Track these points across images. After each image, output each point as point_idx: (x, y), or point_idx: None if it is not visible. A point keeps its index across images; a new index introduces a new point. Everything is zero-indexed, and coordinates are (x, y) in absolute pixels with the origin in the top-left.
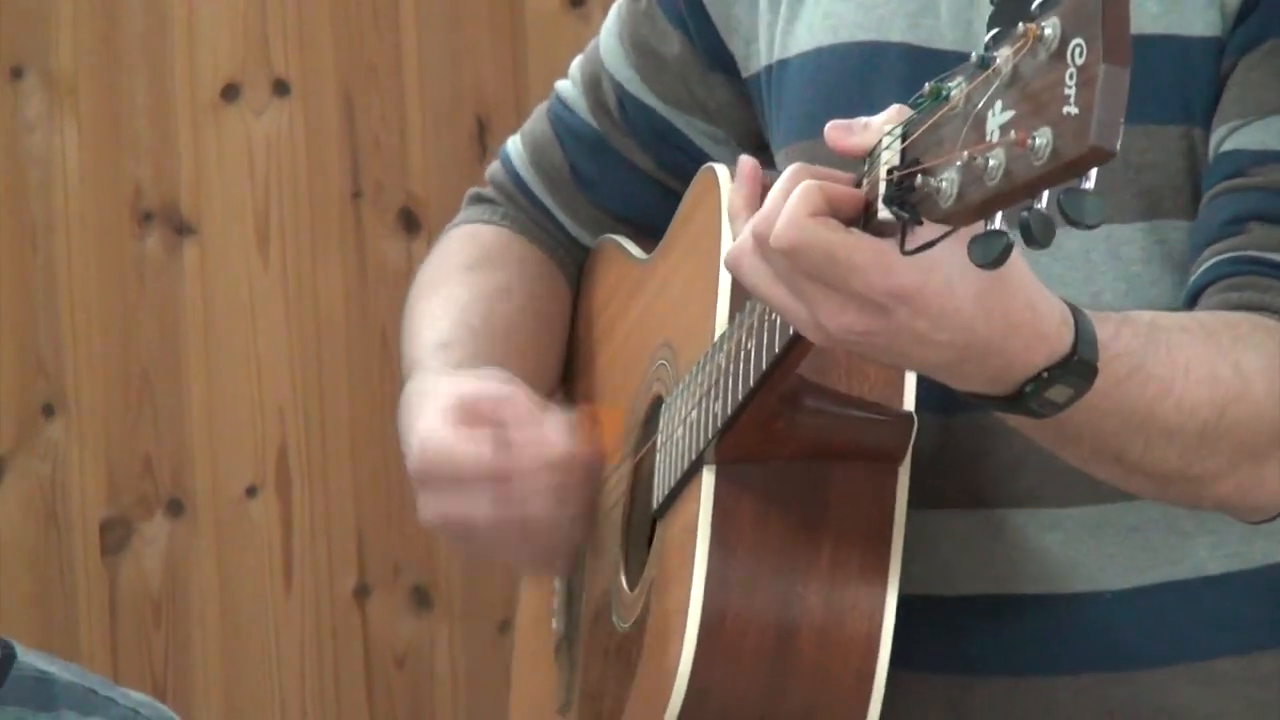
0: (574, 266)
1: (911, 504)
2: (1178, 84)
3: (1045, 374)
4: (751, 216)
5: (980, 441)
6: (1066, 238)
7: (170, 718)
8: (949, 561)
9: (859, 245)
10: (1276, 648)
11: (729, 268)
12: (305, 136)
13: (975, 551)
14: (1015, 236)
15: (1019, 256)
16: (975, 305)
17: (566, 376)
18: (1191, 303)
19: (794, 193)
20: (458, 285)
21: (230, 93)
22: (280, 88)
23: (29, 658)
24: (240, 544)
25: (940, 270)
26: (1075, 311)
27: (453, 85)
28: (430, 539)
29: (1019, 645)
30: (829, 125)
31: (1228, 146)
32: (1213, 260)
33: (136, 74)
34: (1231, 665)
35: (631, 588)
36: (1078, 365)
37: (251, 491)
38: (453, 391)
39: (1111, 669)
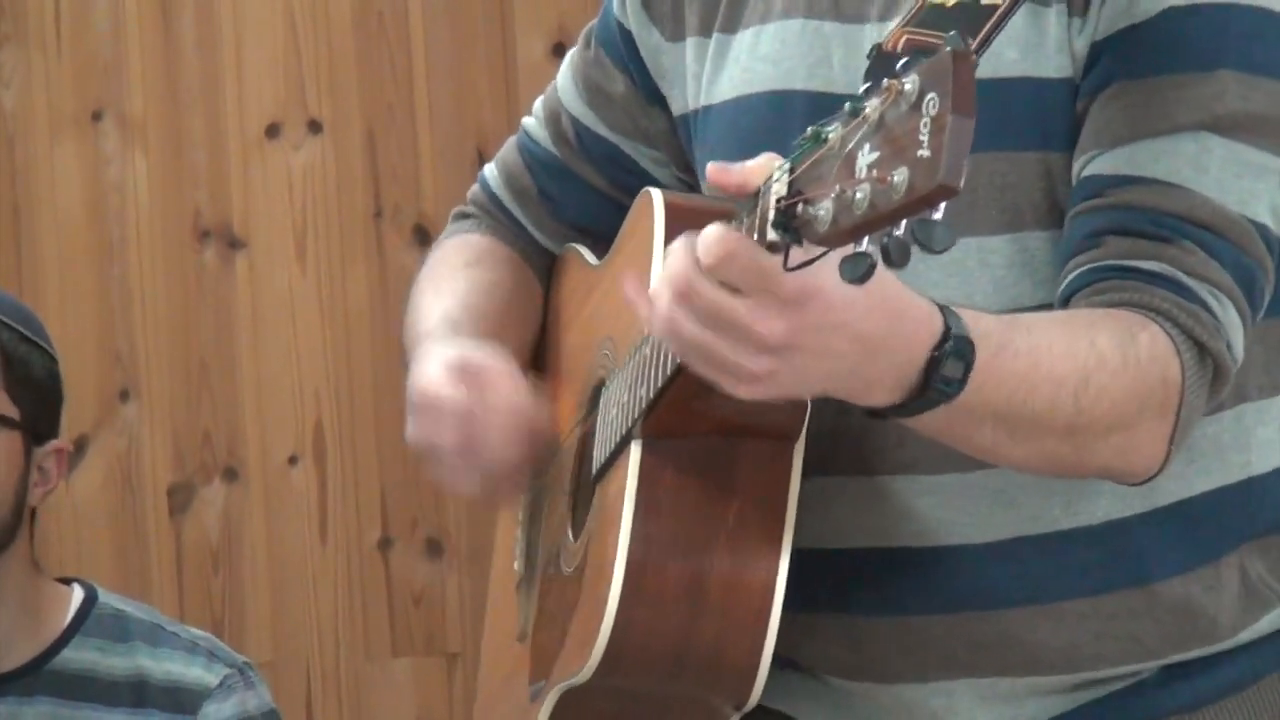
0: (543, 269)
1: (808, 471)
2: (1034, 117)
3: (936, 352)
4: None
5: (868, 419)
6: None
7: (223, 648)
8: (841, 520)
9: (765, 259)
10: (1118, 590)
11: (661, 335)
12: (335, 166)
13: (863, 512)
14: (877, 258)
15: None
16: (863, 299)
17: (536, 362)
18: (1063, 309)
19: (708, 228)
20: (459, 278)
21: (273, 130)
22: (314, 126)
23: (108, 598)
24: (284, 504)
25: (829, 275)
26: (937, 303)
27: (457, 122)
28: (442, 498)
29: (901, 590)
30: (710, 166)
31: (1086, 173)
32: (1076, 271)
33: (195, 115)
34: (1080, 605)
35: (575, 539)
36: (956, 339)
37: (293, 460)
38: (453, 350)
39: (979, 609)
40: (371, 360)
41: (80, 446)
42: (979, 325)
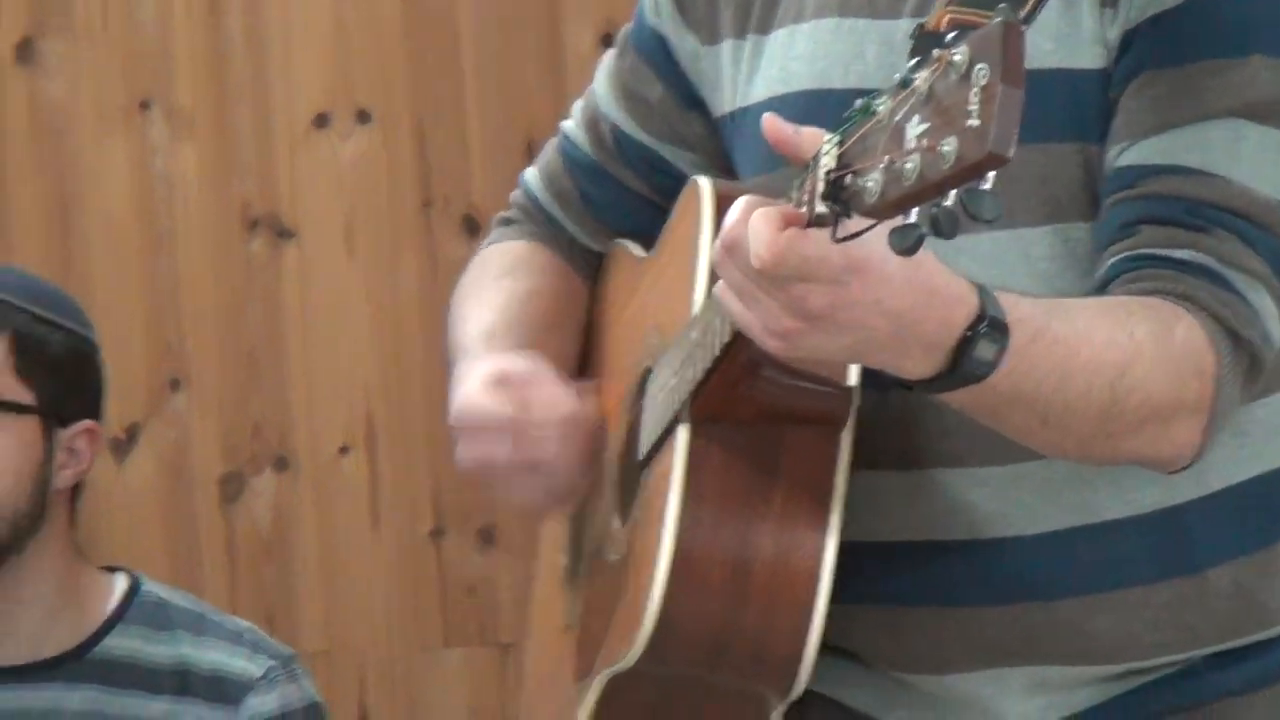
0: (588, 270)
1: (855, 465)
2: (1071, 109)
3: (969, 332)
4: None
5: (912, 411)
6: (981, 241)
7: (267, 640)
8: (889, 513)
9: (813, 235)
10: (1171, 578)
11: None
12: (384, 156)
13: (912, 505)
14: (927, 229)
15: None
16: (903, 274)
17: (583, 364)
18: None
19: (756, 219)
20: (496, 289)
21: (321, 121)
22: (363, 116)
23: (151, 586)
24: (335, 494)
25: (876, 249)
26: (975, 284)
27: (506, 113)
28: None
29: (952, 581)
30: (766, 116)
31: (1120, 163)
32: (1112, 260)
33: (243, 106)
34: (1133, 594)
35: (622, 526)
36: (992, 321)
37: (344, 450)
38: (490, 365)
39: (1031, 599)
40: (422, 351)
41: (131, 436)
42: (1017, 310)
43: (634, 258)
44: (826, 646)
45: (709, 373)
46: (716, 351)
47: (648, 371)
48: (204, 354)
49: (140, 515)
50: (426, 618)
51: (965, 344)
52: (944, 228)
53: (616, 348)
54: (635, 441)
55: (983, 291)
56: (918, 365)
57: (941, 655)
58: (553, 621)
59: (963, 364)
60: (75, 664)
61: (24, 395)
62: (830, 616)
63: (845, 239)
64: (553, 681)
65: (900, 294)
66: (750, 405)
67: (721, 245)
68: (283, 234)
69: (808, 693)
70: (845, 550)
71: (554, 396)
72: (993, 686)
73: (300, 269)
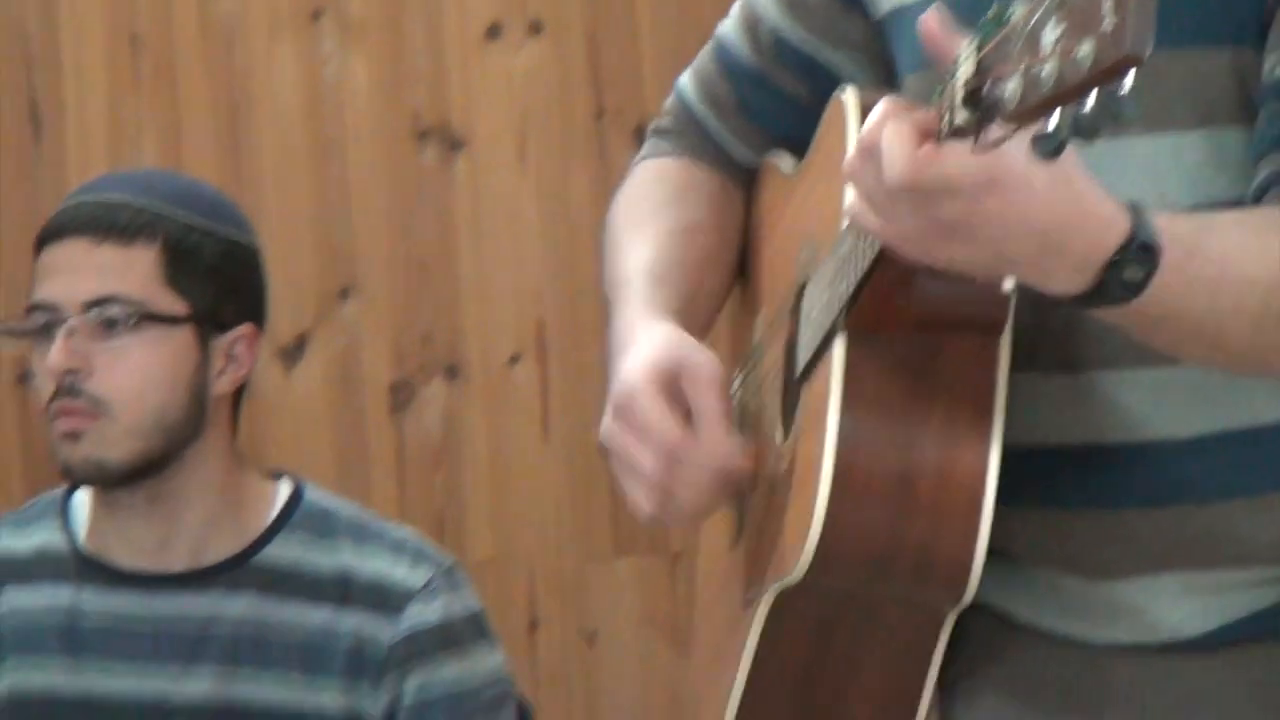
0: (742, 185)
1: (1012, 367)
2: (1225, 13)
3: (1118, 256)
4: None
5: (1070, 313)
6: (1134, 145)
7: (429, 549)
8: (1045, 416)
9: (949, 149)
10: None
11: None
12: (556, 67)
13: (1067, 407)
14: (1068, 134)
15: (1076, 160)
16: (1049, 191)
17: (741, 275)
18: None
19: (889, 131)
20: (655, 223)
21: (493, 32)
22: (534, 28)
23: (315, 494)
24: (505, 403)
25: (1016, 161)
26: (1128, 204)
27: (678, 21)
28: None
29: (1107, 484)
30: (923, 16)
31: (1277, 74)
32: (1266, 172)
33: (415, 17)
34: None
35: (785, 440)
36: (1141, 245)
37: (515, 359)
38: (660, 347)
39: (1185, 503)
40: (594, 260)
41: (300, 344)
42: (1170, 229)
43: (784, 173)
44: (990, 549)
45: (860, 285)
46: (866, 264)
47: (803, 287)
48: (374, 262)
49: (309, 424)
50: (596, 526)
51: (1113, 266)
52: (1085, 132)
53: (772, 265)
54: (793, 356)
55: (1135, 213)
56: (1062, 283)
57: (1099, 560)
58: (722, 535)
59: (1109, 285)
60: (236, 572)
61: (176, 305)
62: (995, 520)
63: (985, 148)
64: (723, 597)
65: (1044, 211)
66: (905, 315)
67: (856, 155)
68: (454, 145)
69: (971, 605)
70: (1005, 454)
71: (717, 443)
72: (1149, 592)
73: (471, 179)
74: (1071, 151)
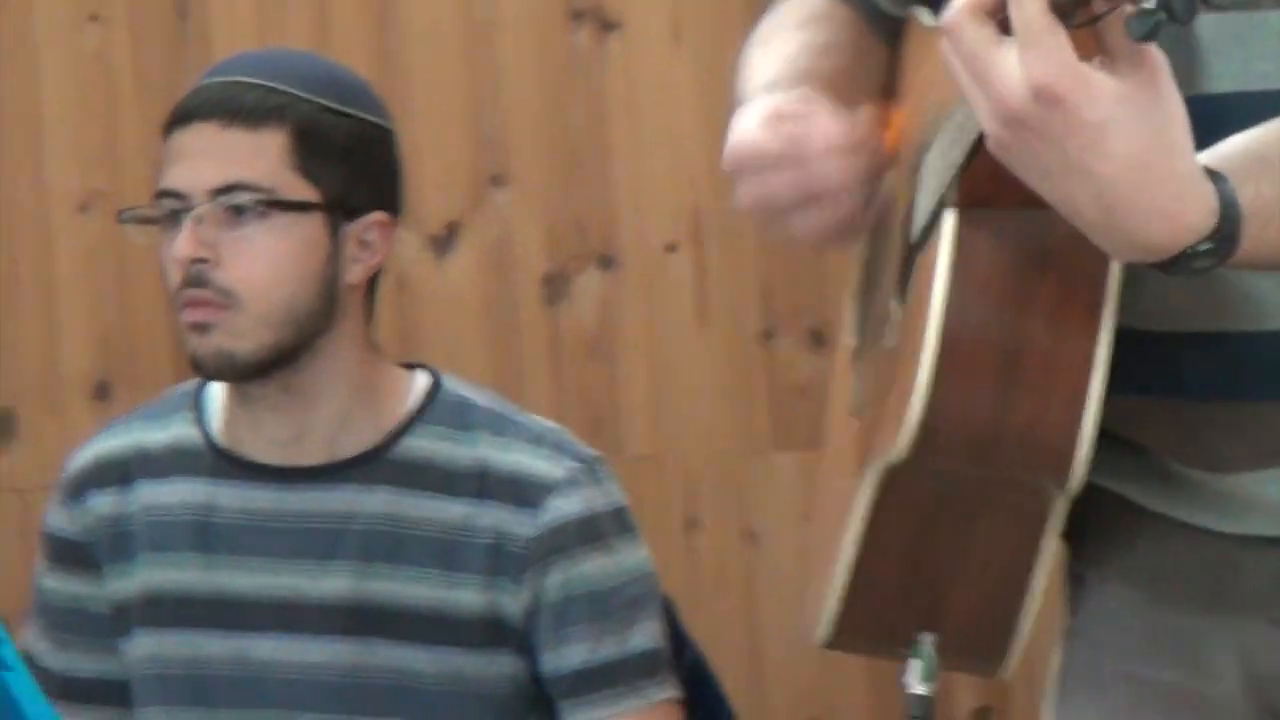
0: (882, 35)
1: None
2: None
3: (1190, 250)
4: None
5: None
6: (1270, 20)
7: (571, 441)
8: (1175, 302)
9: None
10: None
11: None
12: None
13: (1198, 294)
14: (1163, 15)
15: (1184, 125)
16: (1142, 139)
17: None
18: None
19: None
20: (788, 40)
21: None
22: None
23: (453, 384)
24: (661, 292)
25: (1106, 92)
26: (1217, 184)
27: None
28: (826, 288)
29: (1237, 374)
30: None
31: None
32: None
33: None
34: None
35: (899, 309)
36: (1222, 241)
37: (671, 248)
38: (763, 103)
39: None
40: None
41: (451, 233)
42: (1254, 198)
43: (923, 26)
44: (1114, 438)
45: (970, 156)
46: (975, 134)
47: (926, 148)
48: (526, 149)
49: (461, 314)
50: (755, 421)
51: (1186, 255)
52: (1179, 12)
53: (907, 123)
54: (910, 221)
55: (1225, 203)
56: (1121, 255)
57: (1226, 452)
58: (843, 406)
59: (1179, 263)
60: (372, 465)
61: (306, 191)
62: (1118, 408)
63: (1083, 24)
64: (839, 469)
65: (1130, 188)
66: (1016, 190)
67: (960, 10)
68: (607, 25)
69: (1090, 486)
70: (1133, 340)
71: (831, 125)
72: (1276, 485)
73: (625, 61)
74: (1178, 125)
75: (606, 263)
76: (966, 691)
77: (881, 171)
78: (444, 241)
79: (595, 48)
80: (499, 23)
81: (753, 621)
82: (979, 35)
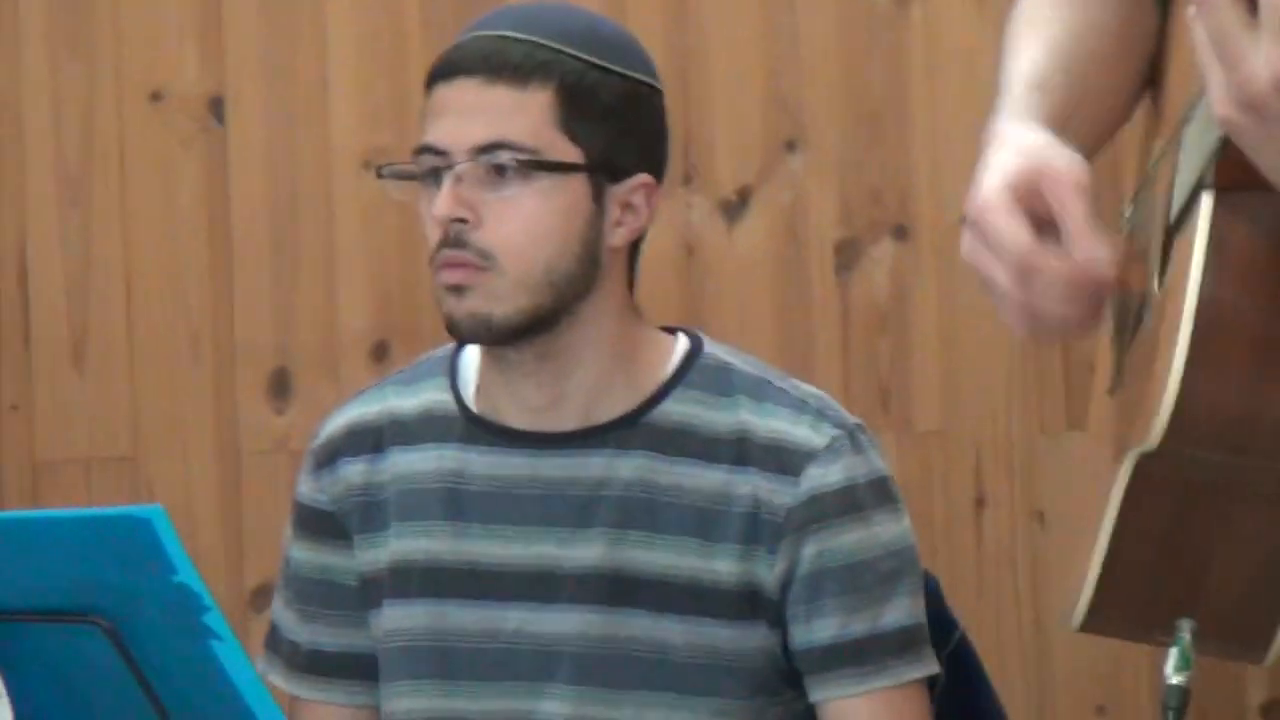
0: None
1: None
2: None
3: None
4: None
5: None
6: None
7: (834, 408)
8: None
9: None
10: None
11: None
12: None
13: None
14: None
15: None
16: None
17: (1153, 88)
18: None
19: None
20: (1051, 19)
21: None
22: None
23: (714, 348)
24: (957, 265)
25: None
26: None
27: None
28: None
29: None
30: None
31: None
32: None
33: None
34: None
35: (1159, 290)
36: None
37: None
38: (1021, 154)
39: None
40: None
41: (743, 199)
42: None
43: None
44: None
45: (1228, 137)
46: None
47: (1186, 123)
48: (822, 114)
49: (750, 282)
50: (1049, 398)
51: None
52: None
53: (1173, 88)
54: (1170, 197)
55: None
56: None
57: None
58: (1103, 381)
59: None
60: (628, 430)
61: (571, 153)
62: None
63: None
64: (1098, 451)
65: None
66: None
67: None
68: None
69: None
70: None
71: (1079, 247)
72: None
73: (926, 25)
74: None
75: (901, 232)
76: (1257, 685)
77: (1100, 314)
78: (735, 207)
79: (896, 10)
80: None
81: (1040, 604)
82: (1230, 14)
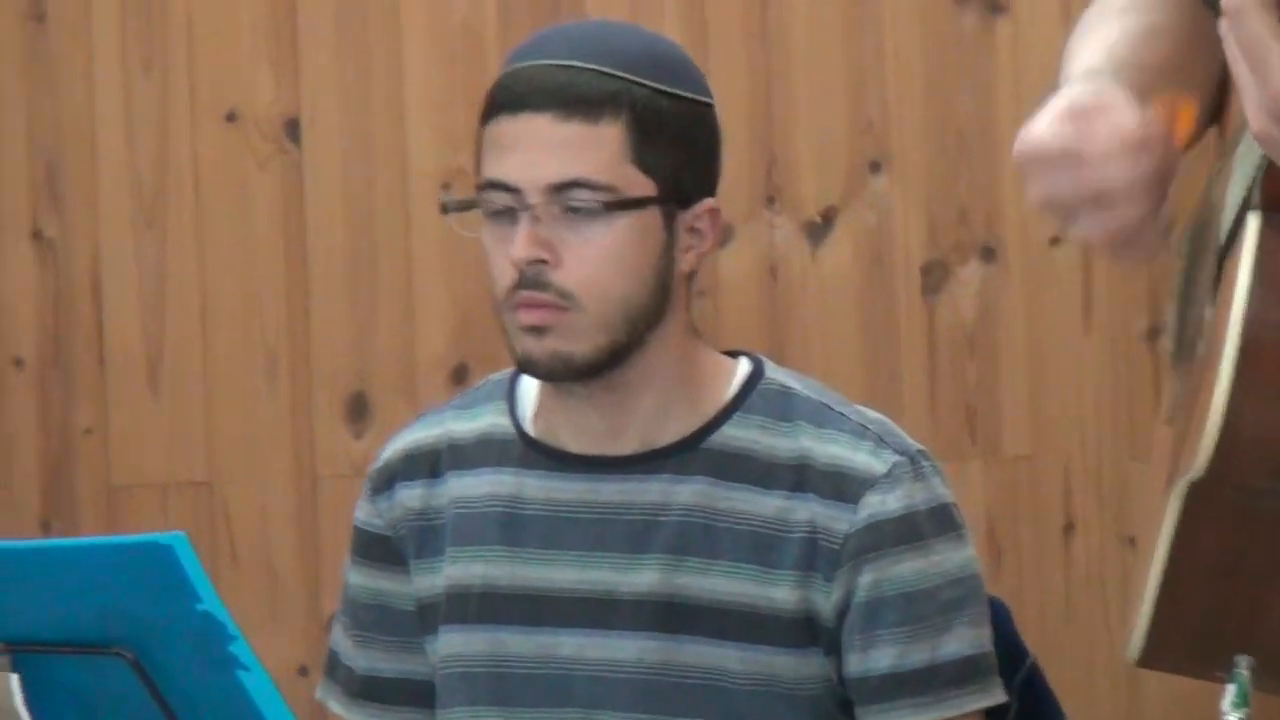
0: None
1: None
2: None
3: None
4: None
5: None
6: None
7: (896, 433)
8: None
9: None
10: None
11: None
12: None
13: None
14: None
15: None
16: None
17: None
18: None
19: None
20: (1111, 25)
21: None
22: None
23: (776, 373)
24: (1045, 287)
25: None
26: None
27: None
28: None
29: None
30: None
31: None
32: None
33: None
34: None
35: (1211, 314)
36: None
37: (1056, 241)
38: (1060, 97)
39: None
40: None
41: (827, 220)
42: None
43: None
44: None
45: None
46: None
47: (1238, 143)
48: (908, 134)
49: (835, 303)
50: (1138, 424)
51: None
52: None
53: (1235, 115)
54: (1221, 216)
55: None
56: None
57: None
58: (1162, 410)
59: None
60: (687, 454)
61: (645, 185)
62: None
63: None
64: (1156, 478)
65: None
66: None
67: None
68: (995, 8)
69: None
70: None
71: (1122, 121)
72: None
73: (1013, 45)
74: None
75: (988, 254)
76: None
77: (1171, 173)
78: (819, 229)
79: (982, 30)
80: (884, 2)
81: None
82: (1263, 22)
